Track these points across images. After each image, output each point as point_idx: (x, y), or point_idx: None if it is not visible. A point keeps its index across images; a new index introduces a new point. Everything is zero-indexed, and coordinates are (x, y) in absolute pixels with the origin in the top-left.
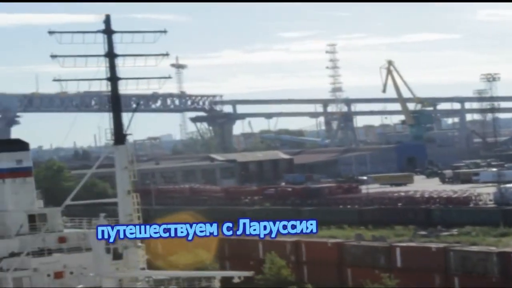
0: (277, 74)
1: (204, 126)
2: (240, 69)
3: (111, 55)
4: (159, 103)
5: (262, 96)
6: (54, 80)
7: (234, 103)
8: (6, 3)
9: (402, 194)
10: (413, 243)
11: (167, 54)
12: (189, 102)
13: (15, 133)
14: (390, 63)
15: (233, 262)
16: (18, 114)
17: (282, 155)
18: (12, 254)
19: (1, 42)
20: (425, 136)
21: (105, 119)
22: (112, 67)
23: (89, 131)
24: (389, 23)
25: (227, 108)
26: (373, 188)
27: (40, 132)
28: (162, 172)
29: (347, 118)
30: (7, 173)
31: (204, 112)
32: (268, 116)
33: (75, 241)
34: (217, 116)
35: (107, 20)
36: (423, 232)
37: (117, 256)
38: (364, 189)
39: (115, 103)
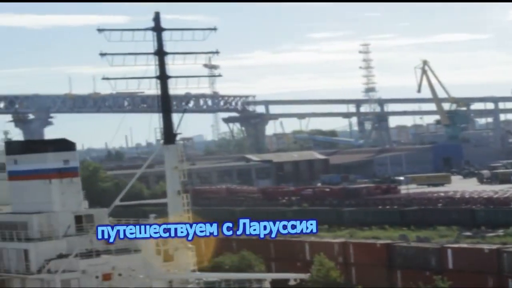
0: (307, 75)
1: (236, 126)
2: (269, 69)
3: (160, 53)
4: (192, 103)
5: (293, 97)
6: (103, 78)
7: (266, 103)
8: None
9: (442, 194)
10: (465, 244)
11: (217, 52)
12: (221, 103)
13: (49, 134)
14: (425, 63)
15: (279, 263)
16: (52, 115)
17: (317, 155)
18: (60, 256)
19: (34, 44)
20: (461, 136)
21: (137, 119)
22: (162, 65)
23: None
24: (417, 24)
25: (260, 109)
26: (411, 189)
27: (73, 132)
28: (198, 172)
29: (381, 118)
30: (54, 173)
31: (237, 113)
32: (301, 116)
33: (122, 242)
34: (250, 116)
35: (157, 18)
36: (468, 233)
37: (168, 258)
38: (403, 189)
39: (165, 102)
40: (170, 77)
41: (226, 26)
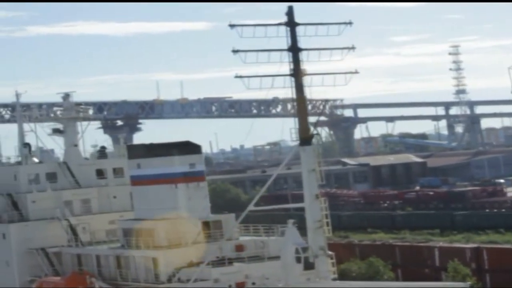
0: (388, 79)
1: (325, 130)
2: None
3: (294, 49)
4: (279, 108)
5: (378, 100)
6: (236, 76)
7: (354, 107)
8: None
9: None
10: None
11: (353, 48)
12: (309, 107)
13: (137, 139)
14: None
15: (406, 270)
16: (140, 121)
17: (414, 158)
18: (191, 264)
19: (121, 51)
20: None
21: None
22: (296, 62)
23: (206, 137)
24: (499, 25)
25: (347, 112)
26: None
27: (162, 138)
28: (294, 177)
29: (473, 120)
30: (180, 177)
31: (325, 117)
32: (390, 119)
33: (253, 250)
34: (339, 120)
35: (290, 12)
36: None
37: (309, 265)
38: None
39: (301, 101)
40: (304, 74)
41: None
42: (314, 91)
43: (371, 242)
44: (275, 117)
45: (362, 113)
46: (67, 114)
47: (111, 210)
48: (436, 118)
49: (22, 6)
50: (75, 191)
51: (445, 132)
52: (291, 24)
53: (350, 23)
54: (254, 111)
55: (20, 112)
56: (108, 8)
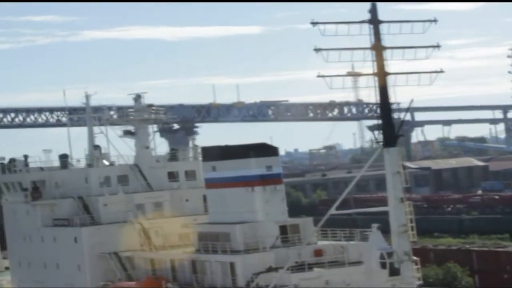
0: (442, 82)
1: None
2: (405, 77)
3: (378, 48)
4: (336, 111)
5: (433, 104)
6: (319, 76)
7: (412, 110)
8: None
9: None
10: None
11: (438, 46)
12: (366, 110)
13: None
14: None
15: (483, 276)
16: (197, 124)
17: (476, 162)
18: (270, 269)
19: (175, 55)
20: None
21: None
22: (380, 61)
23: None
24: None
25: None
26: None
27: (218, 142)
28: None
29: None
30: (256, 180)
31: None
32: (446, 123)
33: (332, 255)
34: (397, 123)
35: (373, 9)
36: None
37: (394, 271)
38: None
39: (385, 102)
40: (389, 73)
41: None
42: (398, 91)
43: (447, 247)
44: (332, 121)
45: (418, 116)
46: (138, 115)
47: (183, 213)
48: (493, 121)
49: (77, 11)
50: (147, 194)
51: (502, 135)
52: (375, 21)
53: (435, 20)
54: (311, 114)
55: (90, 114)
56: (161, 12)
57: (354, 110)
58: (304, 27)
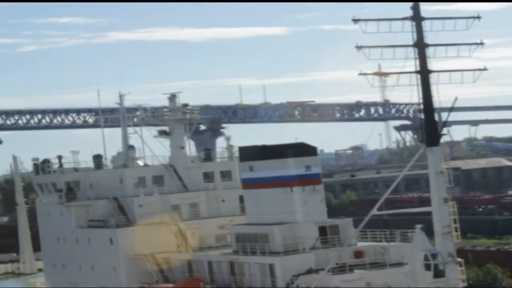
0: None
1: (408, 134)
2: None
3: (420, 45)
4: (362, 112)
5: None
6: (360, 74)
7: (439, 111)
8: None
9: None
10: None
11: (481, 43)
12: (393, 111)
13: (220, 144)
14: None
15: None
16: (223, 125)
17: (506, 162)
18: (310, 271)
19: (201, 56)
20: None
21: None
22: (423, 58)
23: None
24: None
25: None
26: None
27: (244, 142)
28: (384, 181)
29: None
30: (295, 180)
31: (409, 121)
32: (474, 123)
33: (372, 256)
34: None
35: (416, 6)
36: None
37: (439, 273)
38: None
39: (428, 100)
40: (431, 71)
41: None
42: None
43: (485, 248)
44: (358, 121)
45: (445, 117)
46: (173, 115)
47: (219, 214)
48: None
49: (101, 13)
50: (183, 194)
51: None
52: (417, 18)
53: (478, 17)
54: (337, 115)
55: (124, 114)
56: (186, 14)
57: (380, 110)
58: (328, 28)
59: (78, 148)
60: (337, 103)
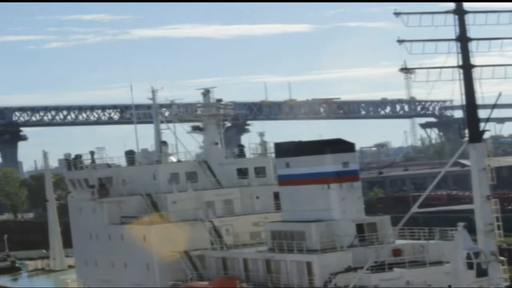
0: (490, 81)
1: (434, 132)
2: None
3: (463, 39)
4: (388, 109)
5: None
6: (402, 69)
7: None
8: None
9: None
10: None
11: None
12: (418, 108)
13: (244, 141)
14: None
15: None
16: (248, 122)
17: None
18: (348, 269)
19: (224, 53)
20: None
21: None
22: (465, 53)
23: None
24: None
25: (457, 114)
26: None
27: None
28: (412, 178)
29: None
30: (332, 177)
31: (434, 118)
32: (500, 120)
33: (411, 254)
34: (451, 121)
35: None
36: None
37: (482, 272)
38: None
39: (471, 95)
40: (474, 66)
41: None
42: (483, 83)
43: None
44: (384, 118)
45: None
46: (207, 111)
47: (254, 211)
48: None
49: (126, 10)
50: (217, 191)
51: None
52: (460, 11)
53: None
54: (363, 112)
55: (156, 109)
56: (211, 11)
57: (406, 107)
58: (353, 25)
59: (103, 144)
60: (363, 100)
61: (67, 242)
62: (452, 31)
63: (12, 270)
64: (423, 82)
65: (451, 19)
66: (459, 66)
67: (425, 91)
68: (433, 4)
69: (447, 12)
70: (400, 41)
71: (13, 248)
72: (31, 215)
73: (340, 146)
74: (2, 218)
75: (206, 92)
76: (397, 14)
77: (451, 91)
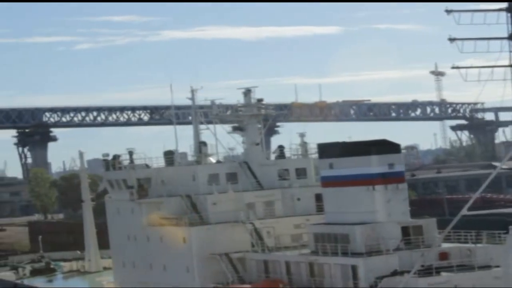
0: None
1: (465, 134)
2: (482, 76)
3: None
4: (418, 111)
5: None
6: (453, 67)
7: (496, 110)
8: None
9: None
10: None
11: None
12: (449, 110)
13: (275, 142)
14: None
15: None
16: (278, 124)
17: None
18: (395, 273)
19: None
20: None
21: None
22: None
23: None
24: None
25: (488, 116)
26: None
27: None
28: (445, 181)
29: None
30: (378, 178)
31: (465, 120)
32: None
33: (458, 258)
34: (482, 124)
35: None
36: None
37: None
38: None
39: None
40: None
41: (436, 33)
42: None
43: None
44: (414, 121)
45: (503, 116)
46: (248, 111)
47: (295, 213)
48: None
49: (155, 11)
50: (258, 192)
51: None
52: None
53: None
54: (393, 114)
55: (195, 109)
56: (239, 12)
57: (437, 110)
58: (383, 27)
59: (133, 145)
60: (393, 102)
61: (101, 243)
62: (504, 30)
63: (47, 271)
64: (474, 81)
65: (504, 17)
66: (510, 66)
67: (455, 93)
68: (476, 4)
69: (500, 10)
70: (452, 40)
71: (46, 249)
72: (61, 215)
73: (386, 147)
74: (32, 219)
75: (247, 92)
76: (448, 11)
77: (502, 91)
